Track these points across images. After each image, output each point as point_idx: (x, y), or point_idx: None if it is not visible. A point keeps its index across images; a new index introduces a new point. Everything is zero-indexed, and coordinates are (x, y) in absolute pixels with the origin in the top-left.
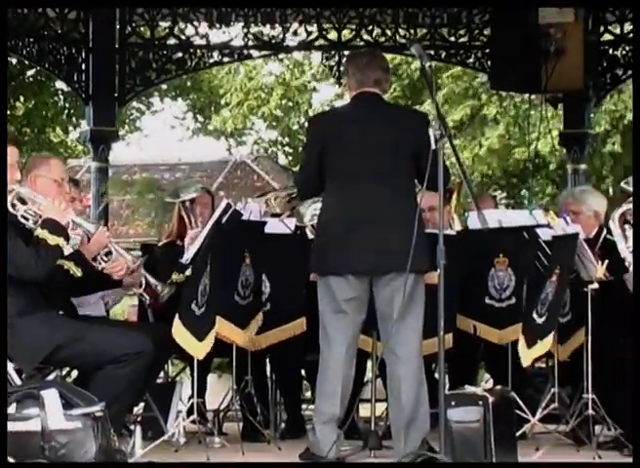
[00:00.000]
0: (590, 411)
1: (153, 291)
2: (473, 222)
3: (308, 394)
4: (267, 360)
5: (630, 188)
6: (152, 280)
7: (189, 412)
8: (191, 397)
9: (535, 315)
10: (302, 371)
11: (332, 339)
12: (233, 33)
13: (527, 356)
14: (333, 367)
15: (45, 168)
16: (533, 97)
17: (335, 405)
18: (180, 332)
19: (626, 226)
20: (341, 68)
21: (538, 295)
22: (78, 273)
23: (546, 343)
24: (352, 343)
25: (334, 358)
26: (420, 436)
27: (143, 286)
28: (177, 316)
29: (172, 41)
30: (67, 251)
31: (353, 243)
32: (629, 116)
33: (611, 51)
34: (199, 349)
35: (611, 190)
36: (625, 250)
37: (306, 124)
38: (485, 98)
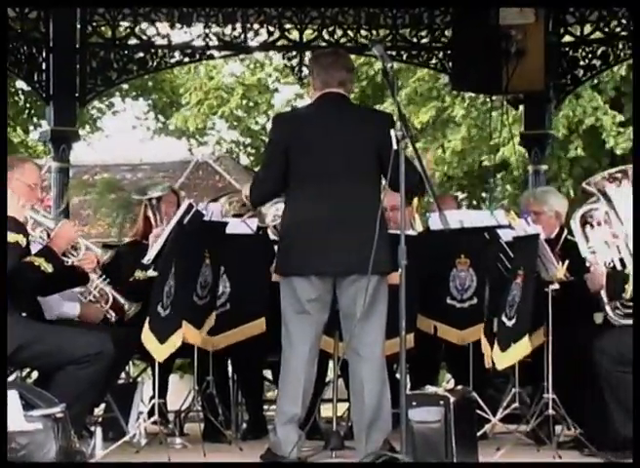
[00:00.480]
0: (551, 411)
1: (120, 308)
2: (435, 223)
3: (270, 394)
4: (229, 360)
5: (591, 189)
6: (120, 298)
7: (150, 413)
8: (152, 398)
9: (504, 318)
10: (267, 372)
11: (294, 340)
12: (194, 33)
13: (502, 360)
14: (295, 367)
15: (19, 170)
16: (494, 97)
17: (297, 405)
18: (146, 335)
19: (587, 227)
20: (303, 69)
21: (502, 297)
22: (49, 269)
23: (522, 346)
24: (315, 344)
25: (296, 358)
26: (381, 436)
27: (110, 302)
28: (147, 319)
29: (133, 41)
30: (36, 247)
31: (317, 244)
32: (588, 121)
33: (571, 52)
34: (160, 351)
35: (572, 192)
36: (586, 250)
37: (269, 124)
38: (449, 100)
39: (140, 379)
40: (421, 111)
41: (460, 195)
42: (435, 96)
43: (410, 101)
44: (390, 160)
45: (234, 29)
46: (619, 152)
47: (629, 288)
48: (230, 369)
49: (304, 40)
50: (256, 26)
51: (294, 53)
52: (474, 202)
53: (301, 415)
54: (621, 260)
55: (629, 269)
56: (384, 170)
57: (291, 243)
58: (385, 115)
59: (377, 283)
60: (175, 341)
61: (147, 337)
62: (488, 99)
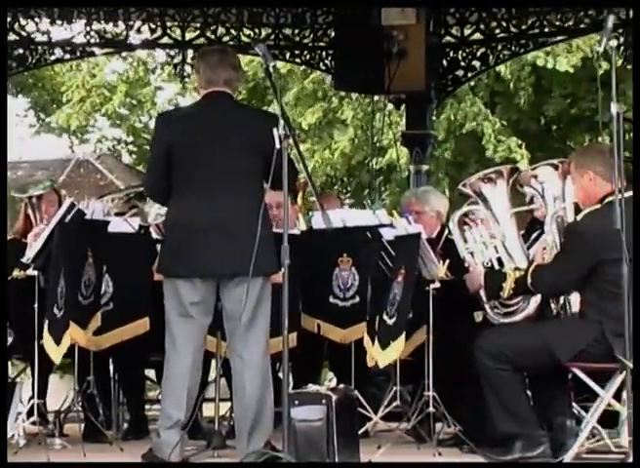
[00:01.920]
0: (431, 409)
1: None
2: (317, 222)
3: (152, 394)
4: (110, 360)
5: (467, 190)
6: None
7: (30, 414)
8: (32, 398)
9: (385, 316)
10: (150, 371)
11: (178, 343)
12: (75, 30)
13: (383, 358)
14: (179, 371)
15: None
16: (376, 98)
17: (181, 410)
18: (46, 338)
19: (465, 228)
20: (185, 67)
21: (384, 296)
22: None
23: (400, 344)
24: (199, 347)
25: (180, 362)
26: (263, 437)
27: None
28: (46, 322)
29: (12, 37)
30: None
31: (200, 246)
32: (468, 125)
33: (452, 53)
34: (57, 353)
35: (447, 192)
36: (464, 251)
37: (152, 122)
38: (336, 102)
39: (18, 380)
40: (308, 112)
41: (344, 194)
42: (322, 97)
43: (297, 102)
44: (273, 160)
45: (116, 27)
46: (497, 160)
47: (507, 287)
48: (112, 368)
49: (187, 38)
50: (138, 24)
51: (176, 51)
52: (357, 201)
53: (185, 420)
54: (499, 260)
55: (507, 268)
56: (268, 171)
57: (174, 244)
58: (270, 116)
59: (261, 285)
60: (66, 342)
61: (46, 340)
62: (371, 100)
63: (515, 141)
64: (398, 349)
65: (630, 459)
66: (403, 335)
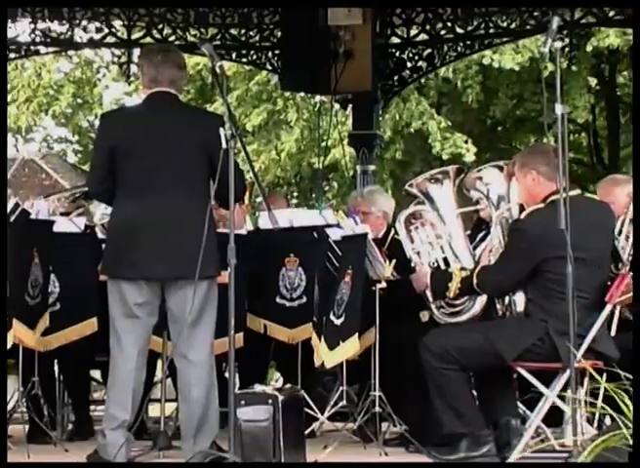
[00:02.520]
0: (377, 409)
1: None
2: (264, 222)
3: (97, 394)
4: (55, 360)
5: (414, 190)
6: None
7: None
8: None
9: (332, 316)
10: (95, 372)
11: (123, 343)
12: (20, 29)
13: (331, 358)
14: (124, 373)
15: None
16: (323, 98)
17: (126, 411)
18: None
19: (412, 228)
20: (131, 66)
21: (331, 296)
22: None
23: (351, 344)
24: (144, 348)
25: (125, 363)
26: (209, 438)
27: None
28: None
29: None
30: None
31: (145, 248)
32: (415, 124)
33: (398, 53)
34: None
35: (390, 192)
36: (411, 250)
37: (97, 121)
38: (281, 103)
39: None
40: (254, 113)
41: (291, 195)
42: (267, 98)
43: (240, 103)
44: (220, 160)
45: (61, 25)
46: (445, 157)
47: (453, 287)
48: (57, 369)
49: (133, 38)
50: (84, 23)
51: (122, 50)
52: (304, 201)
53: (131, 420)
54: (445, 260)
55: (453, 268)
56: (214, 172)
57: (117, 245)
58: (215, 116)
59: (206, 287)
60: (9, 343)
61: None
62: (318, 100)
63: (461, 138)
64: (349, 350)
65: (579, 459)
66: (355, 336)
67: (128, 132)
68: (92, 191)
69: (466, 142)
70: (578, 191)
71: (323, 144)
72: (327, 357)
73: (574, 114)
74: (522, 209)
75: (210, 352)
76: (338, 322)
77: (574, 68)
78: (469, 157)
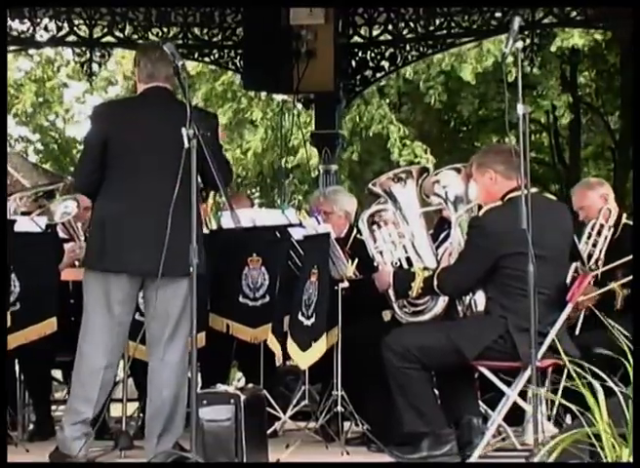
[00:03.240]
0: (339, 408)
1: None
2: (227, 221)
3: (58, 394)
4: (16, 360)
5: (377, 189)
6: None
7: None
8: None
9: (302, 317)
10: (57, 372)
11: (96, 339)
12: None
13: (304, 359)
14: (94, 369)
15: None
16: (286, 97)
17: (90, 406)
18: None
19: (375, 227)
20: (93, 65)
21: (293, 295)
22: None
23: (322, 343)
24: (117, 344)
25: (96, 360)
26: (173, 438)
27: None
28: None
29: None
30: None
31: (130, 243)
32: (374, 127)
33: (360, 53)
34: None
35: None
36: (374, 250)
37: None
38: (245, 102)
39: None
40: (220, 113)
41: (254, 194)
42: (231, 97)
43: (205, 104)
44: (209, 158)
45: (22, 24)
46: (402, 163)
47: (415, 286)
48: (17, 368)
49: (94, 36)
50: (45, 22)
51: (83, 49)
52: (267, 201)
53: (93, 417)
54: (408, 259)
55: (415, 268)
56: (203, 168)
57: (103, 239)
58: (210, 114)
59: (188, 286)
60: None
61: None
62: (280, 100)
63: (420, 146)
64: (320, 350)
65: (539, 457)
66: (324, 336)
67: (122, 125)
68: (78, 184)
69: (426, 152)
70: (535, 189)
71: (290, 143)
72: (300, 358)
73: (536, 114)
74: (481, 209)
75: (184, 353)
76: (308, 323)
77: (536, 71)
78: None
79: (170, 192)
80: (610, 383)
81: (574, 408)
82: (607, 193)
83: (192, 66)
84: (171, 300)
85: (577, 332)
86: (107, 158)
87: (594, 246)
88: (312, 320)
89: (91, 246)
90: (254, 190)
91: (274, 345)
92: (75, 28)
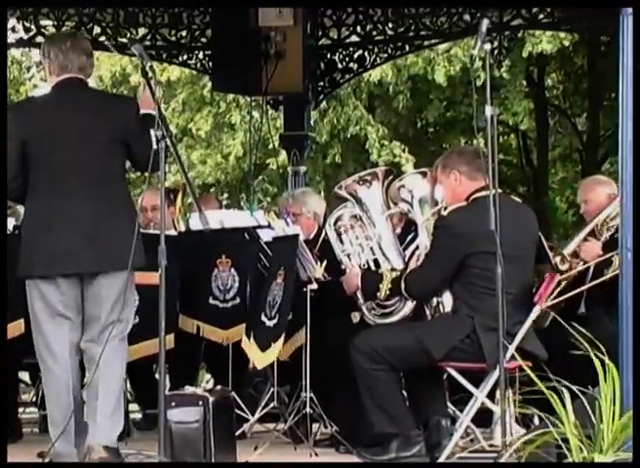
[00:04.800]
0: (308, 410)
1: None
2: (195, 223)
3: (25, 396)
4: None
5: (343, 192)
6: None
7: None
8: None
9: (264, 318)
10: (24, 374)
11: (54, 347)
12: None
13: (262, 359)
14: (59, 376)
15: None
16: (254, 99)
17: (68, 412)
18: None
19: (342, 229)
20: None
21: (262, 297)
22: None
23: (279, 345)
24: (75, 348)
25: (59, 367)
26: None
27: None
28: None
29: None
30: None
31: (60, 244)
32: (352, 129)
33: (329, 55)
34: None
35: (322, 194)
36: (341, 252)
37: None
38: (224, 106)
39: None
40: (198, 117)
41: (230, 198)
42: (209, 102)
43: (184, 108)
44: (145, 148)
45: None
46: (381, 164)
47: (383, 288)
48: None
49: None
50: (12, 23)
51: None
52: (236, 202)
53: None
54: (375, 261)
55: (383, 269)
56: (132, 155)
57: (32, 243)
58: (129, 99)
59: (123, 281)
60: None
61: None
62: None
63: (399, 146)
64: (278, 350)
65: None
66: (282, 337)
67: (38, 122)
68: (7, 192)
69: (404, 151)
70: (500, 191)
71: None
72: (258, 358)
73: (504, 116)
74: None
75: (124, 354)
76: (270, 323)
77: (506, 76)
78: (409, 167)
79: (95, 186)
80: (575, 386)
81: (536, 411)
82: (614, 194)
83: (173, 72)
84: (102, 298)
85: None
86: (29, 160)
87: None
88: (275, 321)
89: (22, 252)
90: (233, 193)
91: (248, 348)
92: (43, 29)
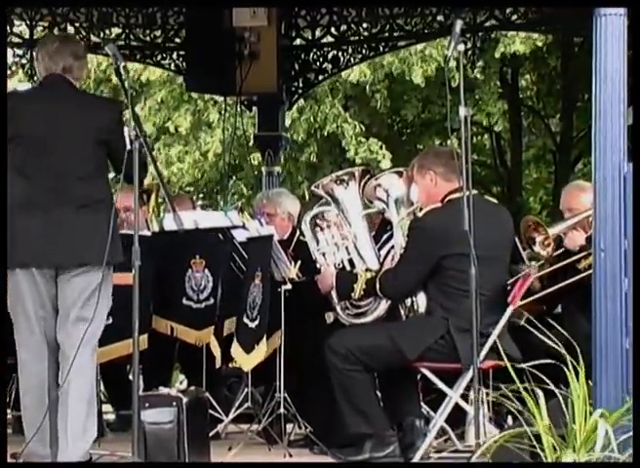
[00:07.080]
0: (282, 410)
1: None
2: (169, 223)
3: None
4: None
5: (320, 191)
6: None
7: None
8: None
9: (246, 319)
10: None
11: (30, 342)
12: None
13: (248, 361)
14: (37, 373)
15: None
16: (228, 99)
17: (43, 409)
18: None
19: (317, 229)
20: (35, 65)
21: (236, 297)
22: None
23: (264, 346)
24: (54, 344)
25: (37, 363)
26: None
27: None
28: None
29: None
30: None
31: (37, 236)
32: (328, 127)
33: (303, 55)
34: None
35: (307, 195)
36: (316, 252)
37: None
38: (202, 105)
39: None
40: (177, 116)
41: (208, 198)
42: (187, 99)
43: (160, 107)
44: (122, 152)
45: None
46: (358, 161)
47: (358, 288)
48: None
49: (35, 37)
50: None
51: (24, 49)
52: (210, 203)
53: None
54: (350, 261)
55: (358, 269)
56: (112, 155)
57: (11, 237)
58: (112, 102)
59: (100, 277)
60: None
61: None
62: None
63: (376, 143)
64: (263, 352)
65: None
66: (265, 338)
67: (19, 116)
68: None
69: (381, 148)
70: (475, 192)
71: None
72: (244, 361)
73: (487, 121)
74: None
75: (93, 354)
76: (253, 325)
77: (480, 77)
78: (386, 163)
79: (74, 182)
80: (551, 386)
81: (512, 407)
82: None
83: (149, 72)
84: (75, 293)
85: None
86: (8, 153)
87: None
88: (256, 322)
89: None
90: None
91: (215, 348)
92: (15, 29)
